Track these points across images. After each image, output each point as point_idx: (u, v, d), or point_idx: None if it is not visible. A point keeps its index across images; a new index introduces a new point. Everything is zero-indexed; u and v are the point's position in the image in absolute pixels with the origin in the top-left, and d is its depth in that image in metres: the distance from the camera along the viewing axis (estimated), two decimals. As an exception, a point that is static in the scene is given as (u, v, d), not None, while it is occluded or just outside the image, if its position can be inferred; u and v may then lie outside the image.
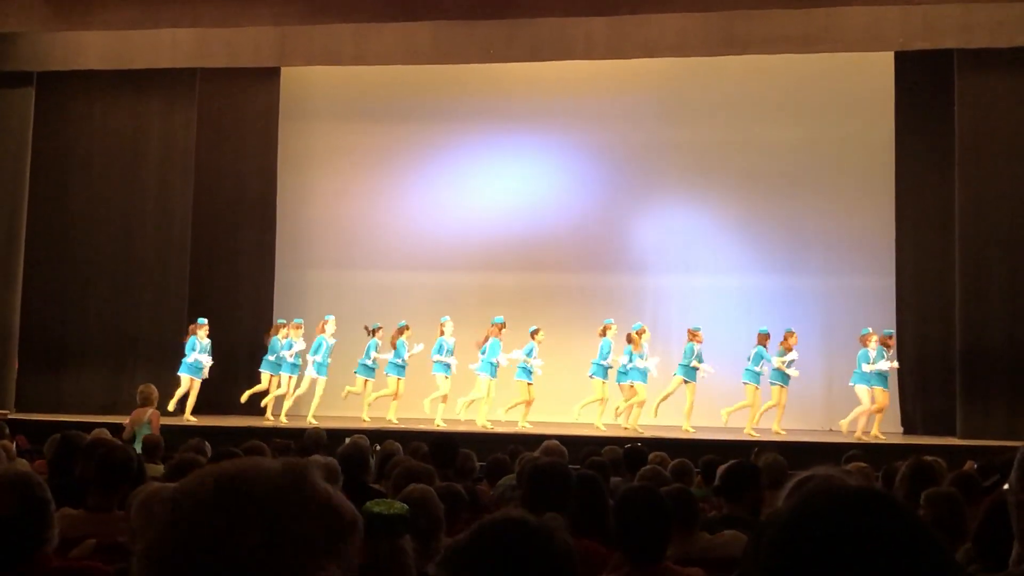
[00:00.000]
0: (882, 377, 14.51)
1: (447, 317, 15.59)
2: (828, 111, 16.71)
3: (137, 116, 17.03)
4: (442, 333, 15.48)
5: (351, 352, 15.81)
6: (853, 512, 1.35)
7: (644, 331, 15.18)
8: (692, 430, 14.72)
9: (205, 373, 15.56)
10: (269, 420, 15.53)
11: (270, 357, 15.82)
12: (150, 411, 11.89)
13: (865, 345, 14.56)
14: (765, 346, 14.88)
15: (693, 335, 15.14)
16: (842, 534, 1.33)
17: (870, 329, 14.66)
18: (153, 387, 12.40)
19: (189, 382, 15.47)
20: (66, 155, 17.02)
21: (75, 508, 5.09)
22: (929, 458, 6.56)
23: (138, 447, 9.15)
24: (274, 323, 16.21)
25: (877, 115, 16.23)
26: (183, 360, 15.51)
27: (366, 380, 15.75)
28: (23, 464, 7.18)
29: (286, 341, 15.76)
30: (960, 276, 14.90)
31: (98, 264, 16.80)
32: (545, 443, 8.22)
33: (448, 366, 15.37)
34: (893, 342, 14.84)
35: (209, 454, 6.63)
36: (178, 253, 16.77)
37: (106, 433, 9.17)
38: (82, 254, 16.83)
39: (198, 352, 15.45)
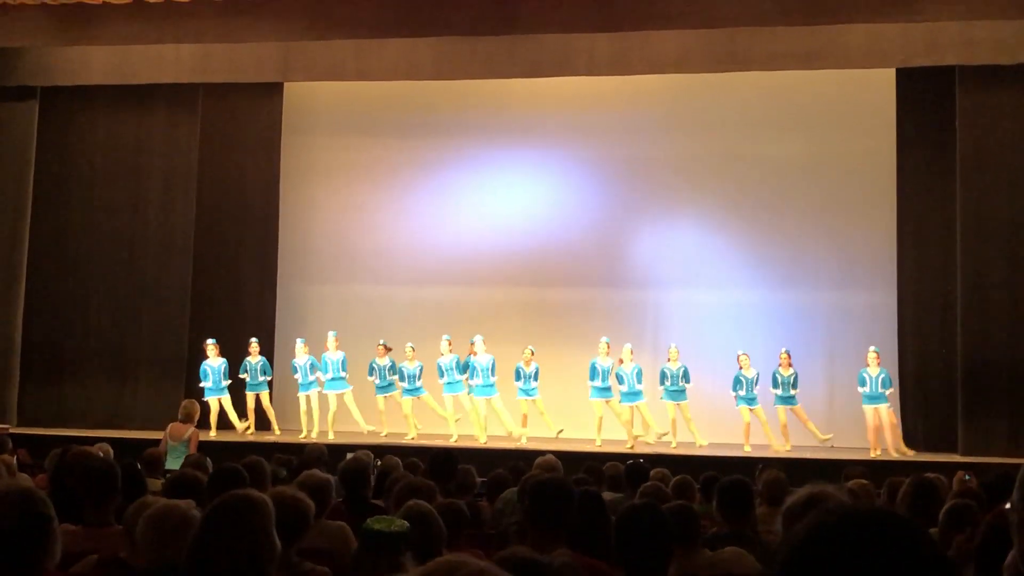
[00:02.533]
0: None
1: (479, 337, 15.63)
2: (830, 127, 16.72)
3: (140, 131, 17.08)
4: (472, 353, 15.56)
5: (353, 367, 15.81)
6: (867, 533, 1.36)
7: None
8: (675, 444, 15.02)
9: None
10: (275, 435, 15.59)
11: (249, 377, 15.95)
12: (191, 429, 11.82)
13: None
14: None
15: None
16: (857, 556, 1.34)
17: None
18: (196, 404, 12.37)
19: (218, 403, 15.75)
20: (69, 169, 17.07)
21: (75, 524, 5.09)
22: (931, 475, 6.56)
23: (177, 464, 9.14)
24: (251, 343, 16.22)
25: (879, 131, 16.24)
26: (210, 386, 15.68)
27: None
28: (25, 479, 7.18)
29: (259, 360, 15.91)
30: (962, 292, 14.91)
31: (100, 278, 16.84)
32: (540, 458, 8.18)
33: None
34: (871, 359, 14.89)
35: (210, 470, 6.62)
36: (180, 267, 16.80)
37: (107, 447, 9.16)
38: (84, 268, 16.87)
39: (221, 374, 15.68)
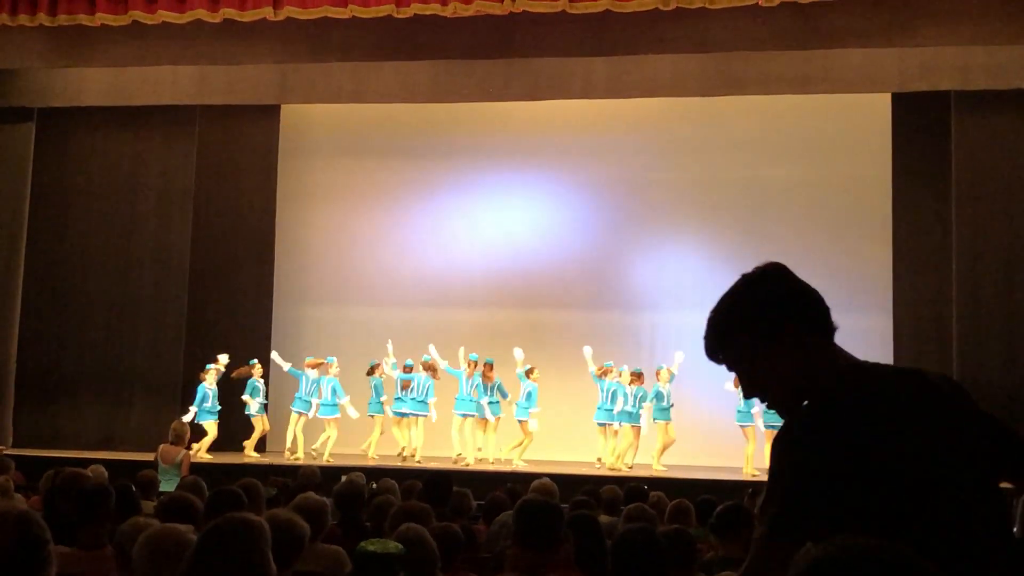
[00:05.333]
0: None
1: (476, 355, 15.61)
2: (825, 151, 16.76)
3: (137, 152, 17.09)
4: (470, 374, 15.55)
5: (350, 388, 15.80)
6: (870, 566, 1.37)
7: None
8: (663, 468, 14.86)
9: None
10: (264, 457, 15.60)
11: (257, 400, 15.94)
12: (183, 451, 11.74)
13: None
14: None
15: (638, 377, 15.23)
16: None
17: None
18: (186, 425, 12.28)
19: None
20: (66, 190, 17.07)
21: (68, 546, 5.07)
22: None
23: (170, 487, 9.08)
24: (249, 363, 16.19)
25: (874, 155, 16.28)
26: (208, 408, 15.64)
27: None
28: (20, 500, 7.15)
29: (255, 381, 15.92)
30: (957, 316, 14.91)
31: (96, 299, 16.81)
32: (535, 481, 8.19)
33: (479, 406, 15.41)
34: None
35: (206, 492, 6.59)
36: (176, 288, 16.78)
37: (100, 469, 9.12)
38: (80, 289, 16.85)
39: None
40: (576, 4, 13.03)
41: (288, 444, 15.75)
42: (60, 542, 4.95)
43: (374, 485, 8.60)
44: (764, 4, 12.69)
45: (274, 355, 16.28)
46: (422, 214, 17.75)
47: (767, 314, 2.29)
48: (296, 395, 15.80)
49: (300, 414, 15.72)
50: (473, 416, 15.29)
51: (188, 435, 12.06)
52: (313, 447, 15.65)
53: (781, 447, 2.22)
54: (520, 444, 15.27)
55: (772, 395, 2.31)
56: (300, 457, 15.37)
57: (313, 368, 15.81)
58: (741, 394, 14.80)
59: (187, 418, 14.60)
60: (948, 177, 15.17)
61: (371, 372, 15.71)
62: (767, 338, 2.27)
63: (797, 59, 14.61)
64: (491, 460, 15.23)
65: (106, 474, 8.77)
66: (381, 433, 15.57)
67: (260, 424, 15.87)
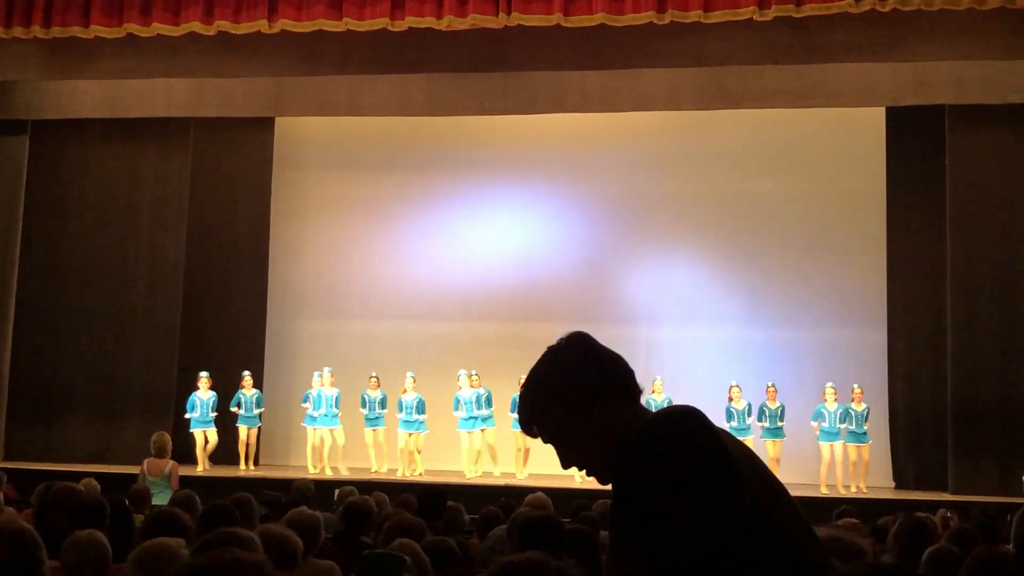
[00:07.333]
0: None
1: (463, 371, 15.62)
2: (820, 165, 16.77)
3: (131, 164, 17.07)
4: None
5: (347, 402, 15.78)
6: None
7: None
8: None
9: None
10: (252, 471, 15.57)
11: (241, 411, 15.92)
12: (169, 463, 11.70)
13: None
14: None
15: None
16: None
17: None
18: (167, 436, 12.23)
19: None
20: (60, 203, 17.04)
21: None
22: (921, 514, 6.53)
23: (162, 499, 9.04)
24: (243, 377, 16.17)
25: (869, 169, 16.29)
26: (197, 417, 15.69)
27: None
28: (11, 513, 7.11)
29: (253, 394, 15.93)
30: (952, 331, 14.93)
31: (89, 311, 16.77)
32: (530, 496, 8.17)
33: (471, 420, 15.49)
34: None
35: (199, 507, 6.55)
36: (170, 301, 16.76)
37: (93, 483, 9.08)
38: (74, 302, 16.81)
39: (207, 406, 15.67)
40: (571, 18, 13.03)
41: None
42: (52, 557, 4.93)
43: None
44: (759, 19, 12.69)
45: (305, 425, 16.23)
46: (417, 227, 17.71)
47: (572, 389, 2.31)
48: (322, 414, 15.74)
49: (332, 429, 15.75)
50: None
51: (170, 445, 12.02)
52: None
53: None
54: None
55: (588, 466, 2.34)
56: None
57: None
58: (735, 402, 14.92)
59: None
60: (942, 190, 15.20)
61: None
62: (576, 412, 2.29)
63: (791, 73, 14.63)
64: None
65: (99, 488, 8.72)
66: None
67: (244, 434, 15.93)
